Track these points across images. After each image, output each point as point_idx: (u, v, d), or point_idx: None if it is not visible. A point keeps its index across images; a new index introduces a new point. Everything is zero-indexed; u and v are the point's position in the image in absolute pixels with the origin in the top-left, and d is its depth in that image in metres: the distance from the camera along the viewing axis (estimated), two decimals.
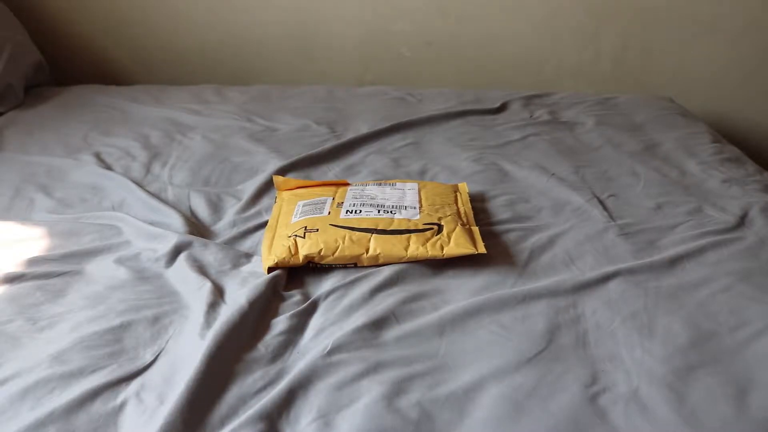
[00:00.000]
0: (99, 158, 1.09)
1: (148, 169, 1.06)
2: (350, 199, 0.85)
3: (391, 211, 0.82)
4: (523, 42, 1.63)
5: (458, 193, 0.92)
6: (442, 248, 0.77)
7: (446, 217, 0.82)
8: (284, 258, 0.75)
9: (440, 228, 0.79)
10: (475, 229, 0.82)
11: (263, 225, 0.88)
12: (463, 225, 0.81)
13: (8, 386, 0.59)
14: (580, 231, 0.86)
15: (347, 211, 0.82)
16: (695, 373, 0.61)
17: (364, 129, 1.23)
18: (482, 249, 0.78)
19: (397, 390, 0.58)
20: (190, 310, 0.70)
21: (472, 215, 0.87)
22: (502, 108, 1.37)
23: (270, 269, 0.75)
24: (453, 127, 1.27)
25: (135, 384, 0.59)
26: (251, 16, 1.64)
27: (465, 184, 0.97)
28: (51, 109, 1.35)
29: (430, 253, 0.76)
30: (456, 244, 0.77)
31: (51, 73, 1.59)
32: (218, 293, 0.72)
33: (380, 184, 0.91)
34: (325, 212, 0.82)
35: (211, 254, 0.80)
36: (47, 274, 0.75)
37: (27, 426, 0.54)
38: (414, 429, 0.55)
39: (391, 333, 0.66)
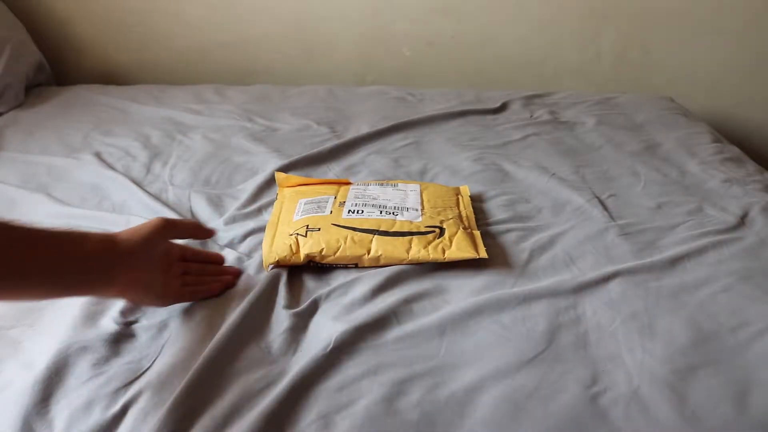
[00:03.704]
0: (100, 158, 1.09)
1: (148, 169, 1.06)
2: (352, 198, 0.85)
3: (393, 213, 0.82)
4: (523, 42, 1.63)
5: (460, 196, 0.92)
6: (443, 252, 0.76)
7: (448, 220, 0.82)
8: (285, 256, 0.75)
9: (442, 231, 0.79)
10: (477, 233, 0.82)
11: (264, 224, 0.88)
12: (464, 228, 0.81)
13: (10, 391, 0.59)
14: (580, 231, 0.86)
15: (349, 211, 0.82)
16: (696, 374, 0.61)
17: (364, 129, 1.23)
18: (483, 254, 0.78)
19: (398, 391, 0.58)
20: (190, 309, 0.70)
21: (473, 218, 0.87)
22: (502, 108, 1.37)
23: (271, 268, 0.75)
24: (453, 127, 1.28)
25: (135, 386, 0.59)
26: (251, 15, 1.64)
27: (467, 186, 0.97)
28: (51, 109, 1.35)
29: (431, 256, 0.76)
30: (457, 248, 0.77)
31: (51, 73, 1.59)
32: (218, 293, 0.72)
33: (382, 185, 0.91)
34: (327, 211, 0.82)
35: None
36: None
37: None
38: (414, 430, 0.55)
39: (392, 333, 0.66)
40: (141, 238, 0.62)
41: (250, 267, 0.77)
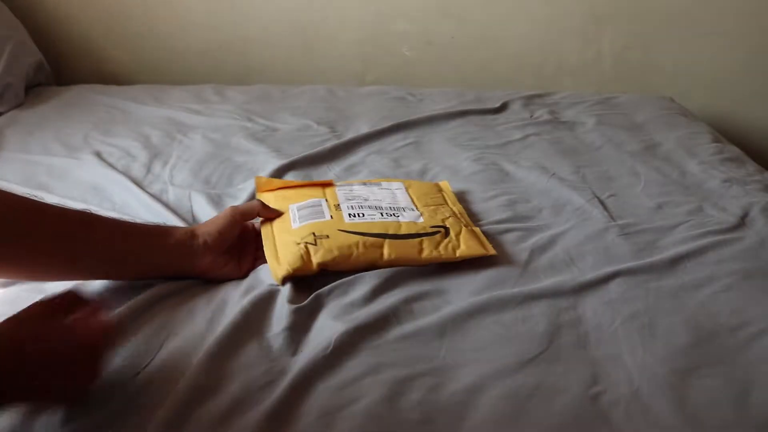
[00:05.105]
0: (100, 158, 1.09)
1: (148, 169, 1.06)
2: (344, 201, 0.84)
3: (394, 214, 0.82)
4: (523, 42, 1.63)
5: (443, 193, 0.92)
6: (454, 251, 0.76)
7: (447, 219, 0.82)
8: (299, 266, 0.73)
9: (447, 231, 0.79)
10: (477, 230, 0.82)
11: None
12: (465, 226, 0.81)
13: None
14: (580, 231, 0.86)
15: (350, 215, 0.81)
16: (696, 374, 0.61)
17: (364, 129, 1.23)
18: (492, 250, 0.78)
19: (399, 391, 0.58)
20: (191, 309, 0.70)
21: (466, 214, 0.87)
22: (502, 108, 1.37)
23: (285, 279, 0.72)
24: (453, 126, 1.28)
25: (135, 384, 0.59)
26: (251, 15, 1.64)
27: (447, 182, 0.97)
28: (51, 109, 1.35)
29: (444, 256, 0.76)
30: (467, 247, 0.77)
31: (51, 73, 1.59)
32: (218, 292, 0.72)
33: (366, 184, 0.90)
34: (327, 216, 0.80)
35: None
36: None
37: None
38: (415, 430, 0.55)
39: (393, 333, 0.66)
40: (216, 230, 0.74)
41: None
